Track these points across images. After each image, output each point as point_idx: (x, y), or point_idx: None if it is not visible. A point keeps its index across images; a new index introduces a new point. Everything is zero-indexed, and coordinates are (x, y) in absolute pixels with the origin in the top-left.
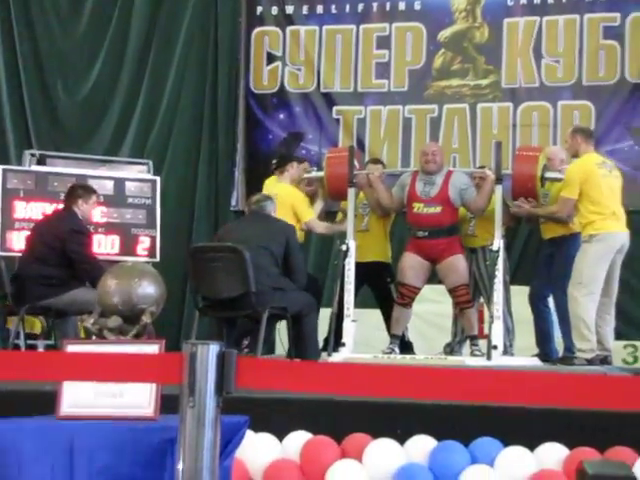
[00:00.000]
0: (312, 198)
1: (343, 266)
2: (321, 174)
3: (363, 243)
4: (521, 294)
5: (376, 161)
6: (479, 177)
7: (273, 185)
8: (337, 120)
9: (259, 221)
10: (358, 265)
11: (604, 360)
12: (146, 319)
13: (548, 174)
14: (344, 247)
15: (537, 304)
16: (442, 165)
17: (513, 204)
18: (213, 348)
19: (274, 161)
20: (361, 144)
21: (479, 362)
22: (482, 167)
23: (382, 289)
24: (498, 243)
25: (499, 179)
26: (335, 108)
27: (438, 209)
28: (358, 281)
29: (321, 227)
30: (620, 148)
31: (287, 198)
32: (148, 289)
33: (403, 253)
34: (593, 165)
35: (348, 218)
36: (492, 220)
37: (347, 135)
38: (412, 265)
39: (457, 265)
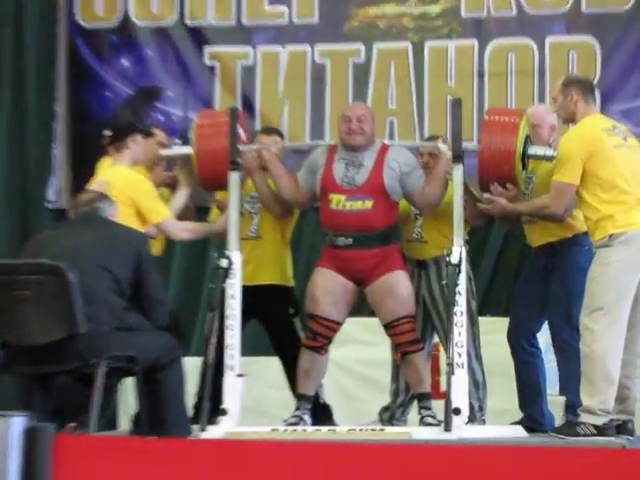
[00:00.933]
0: (172, 189)
1: (222, 291)
2: (187, 150)
3: (252, 257)
4: (496, 329)
5: (271, 131)
6: (428, 154)
7: (106, 170)
8: (211, 68)
9: (93, 228)
10: (245, 290)
11: (622, 427)
12: None
13: (533, 149)
14: (223, 262)
15: (520, 344)
16: (373, 137)
17: (480, 195)
18: (17, 421)
19: (106, 132)
20: (249, 104)
21: (433, 435)
22: (434, 138)
23: (281, 326)
24: (459, 253)
25: (458, 156)
26: (208, 50)
27: (368, 204)
28: (245, 314)
29: (182, 229)
30: (639, 107)
31: (124, 188)
32: None
33: (314, 270)
34: (600, 132)
35: (229, 218)
36: (449, 219)
37: (227, 91)
38: (328, 289)
39: (397, 287)
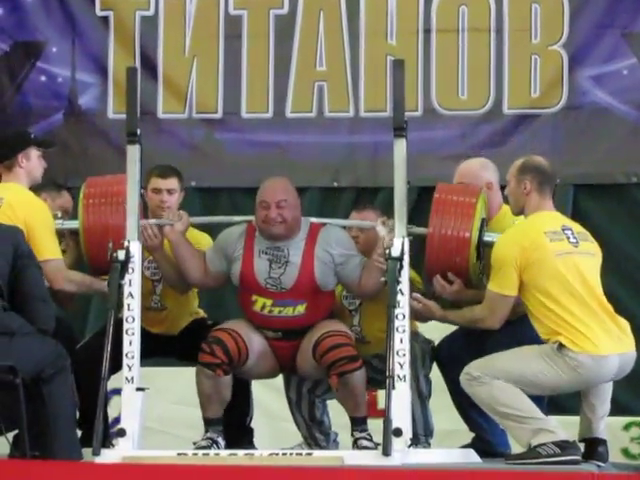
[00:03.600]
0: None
1: (119, 288)
2: (72, 225)
3: (158, 324)
4: (441, 333)
5: (168, 173)
6: (358, 228)
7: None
8: (104, 19)
9: None
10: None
11: (592, 452)
12: None
13: (490, 236)
14: (120, 254)
15: (450, 360)
16: (298, 224)
17: (425, 286)
18: None
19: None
20: (150, 65)
21: (370, 460)
22: (369, 208)
23: (188, 343)
24: (400, 244)
25: (400, 129)
26: None
27: (300, 309)
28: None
29: (66, 278)
30: (613, 72)
31: (20, 209)
32: None
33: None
34: (541, 236)
35: (128, 203)
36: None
37: (123, 47)
38: (252, 331)
39: (324, 322)
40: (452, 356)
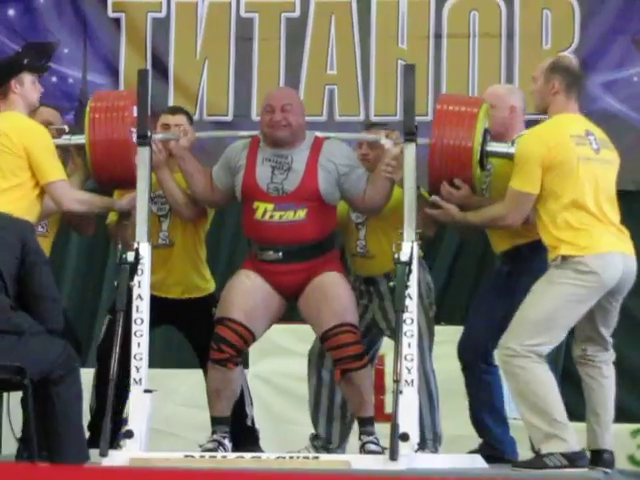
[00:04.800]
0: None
1: (128, 290)
2: (79, 141)
3: (164, 267)
4: (449, 340)
5: (176, 110)
6: (368, 144)
7: None
8: (116, 21)
9: None
10: (154, 300)
11: (598, 458)
12: None
13: (492, 147)
14: (129, 256)
15: (474, 361)
16: (302, 130)
17: (430, 199)
18: None
19: None
20: (161, 67)
21: (376, 464)
22: (377, 126)
23: (203, 335)
24: (410, 249)
25: (410, 133)
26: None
27: (301, 214)
28: (156, 319)
29: (75, 199)
30: (623, 78)
31: (18, 136)
32: None
33: (238, 271)
34: (567, 138)
35: (138, 202)
36: (397, 225)
37: (134, 49)
38: (250, 292)
39: (333, 289)
40: (478, 355)
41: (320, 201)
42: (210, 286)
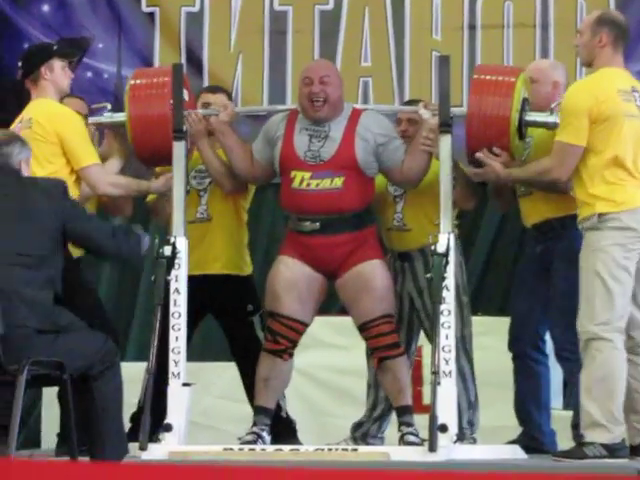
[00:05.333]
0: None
1: (166, 284)
2: (120, 118)
3: (201, 242)
4: (488, 331)
5: (217, 89)
6: (407, 120)
7: (26, 110)
8: (150, 16)
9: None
10: (193, 280)
11: (637, 448)
12: None
13: (531, 116)
14: (166, 250)
15: (523, 349)
16: (340, 102)
17: (467, 169)
18: None
19: (19, 65)
20: (195, 61)
21: (416, 456)
22: (414, 102)
23: (238, 324)
24: (446, 240)
25: (446, 124)
26: None
27: (337, 182)
28: (194, 311)
29: (110, 182)
30: None
31: (50, 123)
32: None
33: (276, 258)
34: (614, 93)
35: (173, 196)
36: (436, 199)
37: (169, 44)
38: (292, 282)
39: (373, 280)
40: (528, 343)
41: (357, 170)
42: (246, 271)
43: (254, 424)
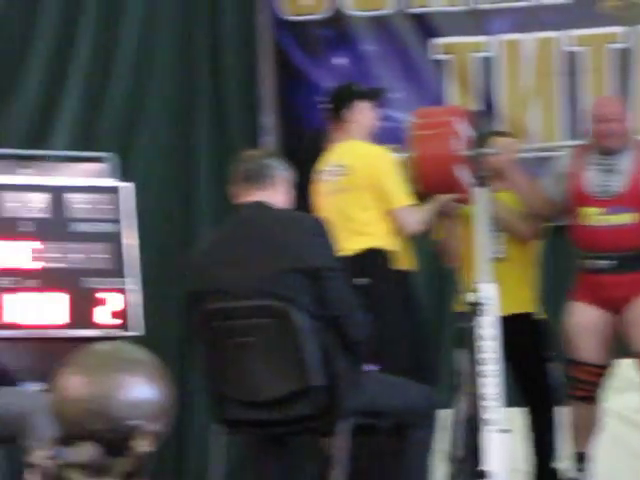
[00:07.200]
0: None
1: (470, 330)
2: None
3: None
4: None
5: (503, 134)
6: None
7: (335, 156)
8: (439, 63)
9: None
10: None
11: None
12: (141, 446)
13: None
14: (471, 296)
15: None
16: (626, 136)
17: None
18: None
19: (327, 105)
20: (486, 104)
21: None
22: None
23: (533, 367)
24: None
25: None
26: (435, 42)
27: (627, 217)
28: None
29: (417, 221)
30: None
31: (366, 167)
32: (140, 391)
33: (567, 303)
34: None
35: (477, 242)
36: None
37: (459, 88)
38: (586, 327)
39: None
40: None
41: None
42: (541, 313)
43: (579, 469)
